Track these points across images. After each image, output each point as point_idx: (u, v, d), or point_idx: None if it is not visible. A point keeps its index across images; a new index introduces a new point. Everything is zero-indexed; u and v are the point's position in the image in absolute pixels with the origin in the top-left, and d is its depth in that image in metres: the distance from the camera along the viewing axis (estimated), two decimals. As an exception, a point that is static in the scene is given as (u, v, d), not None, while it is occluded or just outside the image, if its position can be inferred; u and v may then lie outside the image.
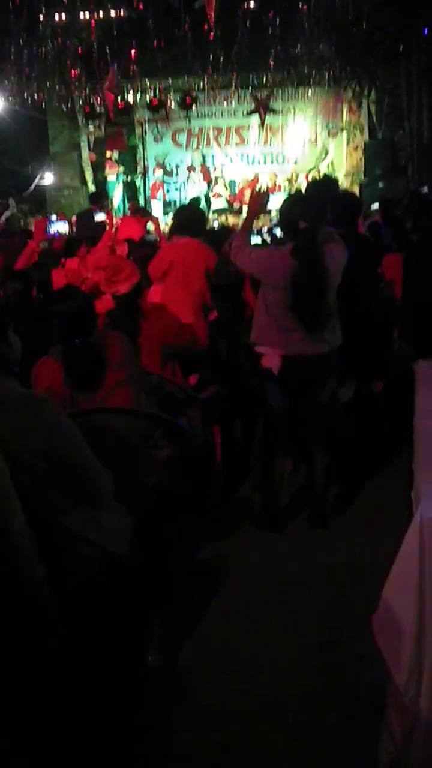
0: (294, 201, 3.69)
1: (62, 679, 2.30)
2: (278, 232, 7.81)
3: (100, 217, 10.21)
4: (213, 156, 16.69)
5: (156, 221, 9.71)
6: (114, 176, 15.80)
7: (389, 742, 2.18)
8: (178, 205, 14.99)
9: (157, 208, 15.98)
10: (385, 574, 2.14)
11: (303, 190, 10.17)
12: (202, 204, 14.19)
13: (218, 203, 15.73)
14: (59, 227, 12.47)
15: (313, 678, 2.76)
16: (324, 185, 4.87)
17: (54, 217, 13.58)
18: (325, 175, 14.35)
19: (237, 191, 15.82)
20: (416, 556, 2.04)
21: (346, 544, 3.68)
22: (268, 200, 4.08)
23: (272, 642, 2.98)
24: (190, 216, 5.11)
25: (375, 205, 9.24)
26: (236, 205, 15.29)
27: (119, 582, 2.47)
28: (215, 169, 16.29)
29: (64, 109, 14.98)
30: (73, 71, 13.03)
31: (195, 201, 12.18)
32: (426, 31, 11.62)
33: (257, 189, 4.21)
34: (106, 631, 2.50)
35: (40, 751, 2.30)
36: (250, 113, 15.50)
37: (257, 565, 3.55)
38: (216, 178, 16.14)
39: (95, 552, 2.39)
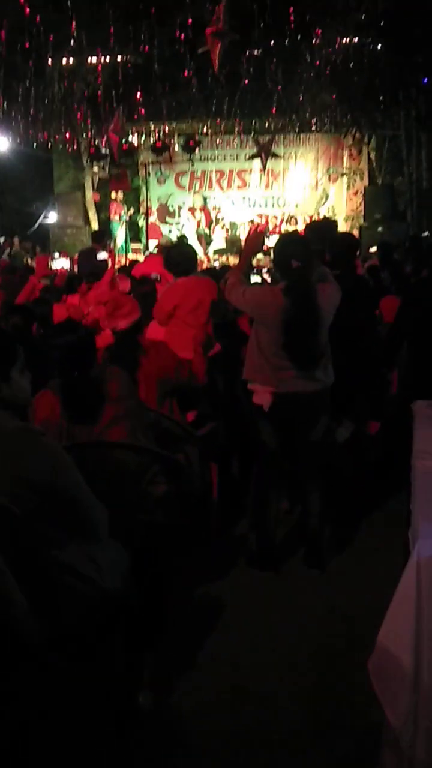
0: (288, 240, 3.73)
1: (50, 713, 2.26)
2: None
3: (102, 255, 10.31)
4: (214, 198, 16.94)
5: None
6: (118, 216, 16.00)
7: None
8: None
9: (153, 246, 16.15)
10: (382, 616, 2.11)
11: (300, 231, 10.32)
12: (196, 244, 14.30)
13: (218, 243, 15.92)
14: (61, 264, 12.58)
15: (307, 722, 2.71)
16: (322, 226, 4.93)
17: (56, 254, 13.70)
18: (324, 216, 14.55)
19: (238, 233, 16.01)
20: (413, 597, 2.01)
21: (341, 586, 3.64)
22: (264, 240, 4.13)
23: (265, 684, 2.92)
24: (179, 256, 5.15)
25: (374, 249, 9.34)
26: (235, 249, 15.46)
27: (112, 618, 2.44)
28: (217, 211, 16.52)
29: (69, 150, 15.25)
30: (78, 113, 13.27)
31: (182, 239, 12.33)
32: (425, 81, 11.88)
33: (254, 229, 4.27)
34: (97, 667, 2.45)
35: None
36: (251, 157, 15.75)
37: (251, 604, 3.50)
38: (217, 220, 16.36)
39: (88, 587, 2.36)
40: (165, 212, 17.05)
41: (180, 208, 16.95)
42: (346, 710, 2.72)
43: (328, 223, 5.32)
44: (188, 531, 3.51)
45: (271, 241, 10.74)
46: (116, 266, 8.62)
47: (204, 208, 16.50)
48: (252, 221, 16.10)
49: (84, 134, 14.44)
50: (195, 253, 5.48)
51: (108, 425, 3.10)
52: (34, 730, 2.38)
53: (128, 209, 16.15)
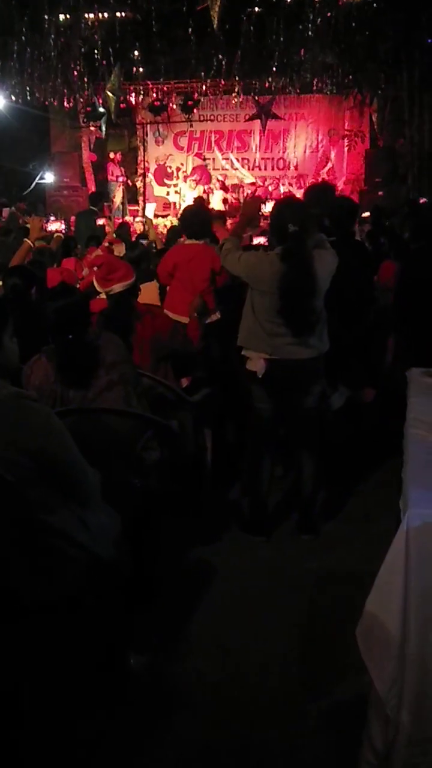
0: (284, 205, 3.68)
1: (43, 673, 2.29)
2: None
3: (100, 221, 10.22)
4: (213, 160, 16.71)
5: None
6: (116, 178, 15.80)
7: (370, 752, 2.16)
8: (179, 207, 15.03)
9: (152, 208, 15.99)
10: (372, 582, 2.13)
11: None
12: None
13: (217, 206, 15.73)
14: (57, 226, 12.43)
15: (295, 686, 2.75)
16: (320, 190, 4.86)
17: (52, 217, 13.54)
18: (323, 180, 14.37)
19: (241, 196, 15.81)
20: (401, 565, 2.02)
21: (333, 552, 3.67)
22: (261, 206, 4.10)
23: (255, 648, 2.96)
24: (194, 217, 5.12)
25: (367, 213, 9.21)
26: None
27: (103, 582, 2.46)
28: (223, 176, 16.33)
29: (66, 109, 14.97)
30: (75, 71, 13.02)
31: (198, 201, 12.17)
32: (429, 41, 11.66)
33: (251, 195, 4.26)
34: (89, 629, 2.48)
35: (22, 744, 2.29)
36: (251, 118, 15.51)
37: (243, 569, 3.54)
38: (216, 182, 16.17)
39: (80, 552, 2.37)
40: (163, 174, 16.81)
41: (179, 169, 16.72)
42: (334, 673, 2.76)
43: (327, 187, 5.23)
44: (181, 497, 3.52)
45: (268, 207, 10.63)
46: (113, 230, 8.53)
47: (203, 169, 16.29)
48: (253, 183, 15.93)
49: (81, 92, 14.18)
50: (209, 217, 5.44)
51: (102, 390, 3.09)
52: (28, 691, 2.42)
53: (125, 171, 15.95)
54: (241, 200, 15.08)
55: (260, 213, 4.88)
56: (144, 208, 16.34)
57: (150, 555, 2.97)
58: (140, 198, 16.71)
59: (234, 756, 2.42)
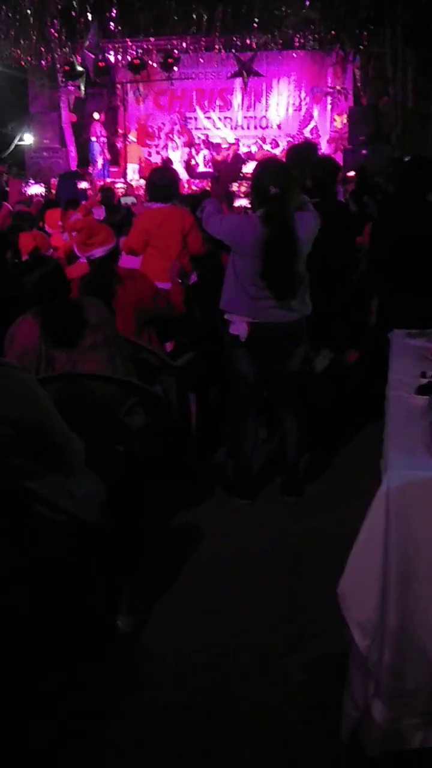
0: (265, 166, 3.64)
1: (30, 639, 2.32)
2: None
3: (83, 185, 10.08)
4: (196, 119, 16.48)
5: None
6: (96, 139, 15.57)
7: (352, 706, 2.22)
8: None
9: (140, 169, 15.78)
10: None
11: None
12: (180, 168, 13.97)
13: (203, 166, 15.58)
14: (36, 189, 12.26)
15: (279, 644, 2.80)
16: (302, 150, 4.82)
17: (32, 180, 13.35)
18: (305, 140, 14.22)
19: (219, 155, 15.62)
20: (381, 524, 2.05)
21: (317, 513, 3.71)
22: (241, 167, 4.06)
23: (240, 608, 3.00)
24: (161, 180, 5.06)
25: (352, 173, 9.13)
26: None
27: (88, 547, 2.49)
28: (200, 130, 16.12)
29: (45, 68, 14.66)
30: (52, 29, 12.71)
31: (166, 164, 12.04)
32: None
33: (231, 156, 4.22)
34: (75, 593, 2.52)
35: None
36: (233, 76, 15.26)
37: (228, 531, 3.57)
38: (199, 142, 15.98)
39: (65, 518, 2.39)
40: (144, 134, 16.57)
41: (160, 129, 16.48)
42: (317, 627, 2.80)
43: (309, 147, 5.20)
44: (166, 461, 3.55)
45: (249, 167, 10.52)
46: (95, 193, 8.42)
47: (184, 128, 16.07)
48: (235, 143, 15.72)
49: (58, 51, 13.87)
50: (176, 178, 5.36)
51: (87, 350, 3.08)
52: (16, 650, 2.46)
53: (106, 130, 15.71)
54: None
55: (241, 174, 4.82)
56: (125, 170, 16.12)
57: (135, 519, 3.01)
58: (121, 159, 16.47)
59: (215, 716, 2.46)
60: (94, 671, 2.63)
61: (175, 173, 5.53)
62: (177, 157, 15.51)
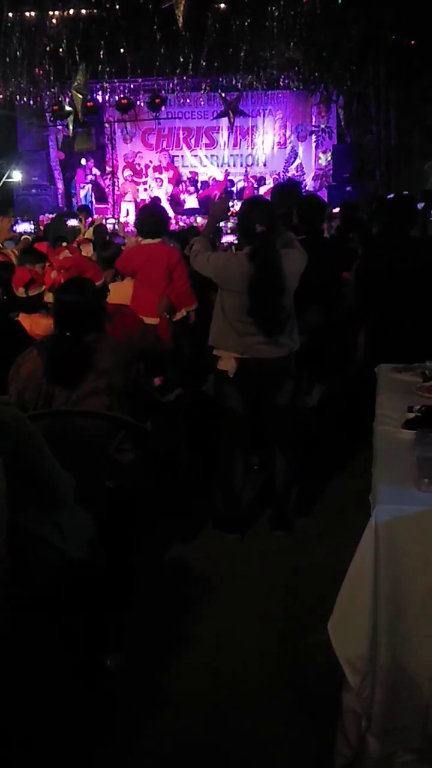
0: (251, 204, 3.71)
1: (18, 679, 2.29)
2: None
3: (72, 222, 10.16)
4: (183, 157, 16.71)
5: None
6: (85, 177, 15.78)
7: (344, 745, 2.20)
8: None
9: (127, 208, 15.95)
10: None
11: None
12: (166, 205, 14.13)
13: (190, 203, 15.76)
14: (24, 227, 12.33)
15: (269, 682, 2.78)
16: (288, 188, 4.90)
17: (19, 219, 13.44)
18: (289, 179, 14.44)
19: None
20: (371, 559, 2.06)
21: (307, 547, 3.71)
22: (229, 206, 4.12)
23: (231, 644, 2.99)
24: (149, 217, 5.13)
25: (337, 209, 9.26)
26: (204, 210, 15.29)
27: (77, 584, 2.47)
28: (187, 168, 16.35)
29: (33, 107, 14.88)
30: (41, 70, 12.93)
31: (155, 201, 12.18)
32: (393, 37, 11.75)
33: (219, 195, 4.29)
34: (62, 632, 2.49)
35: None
36: (219, 116, 15.54)
37: (217, 567, 3.56)
38: (186, 180, 16.19)
39: (53, 554, 2.38)
40: (133, 171, 16.77)
41: (147, 167, 16.69)
42: (309, 667, 2.79)
43: (294, 186, 5.29)
44: (155, 496, 3.54)
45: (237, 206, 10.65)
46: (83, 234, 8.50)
47: (171, 166, 16.29)
48: (222, 181, 15.93)
49: (47, 91, 14.10)
50: (165, 215, 5.44)
51: (86, 395, 3.05)
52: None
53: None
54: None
55: (229, 213, 4.90)
56: (113, 207, 16.28)
57: (124, 555, 2.99)
58: (108, 196, 16.64)
59: (210, 746, 2.45)
60: (81, 706, 2.59)
61: (163, 210, 5.61)
62: (162, 194, 15.70)
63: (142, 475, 3.32)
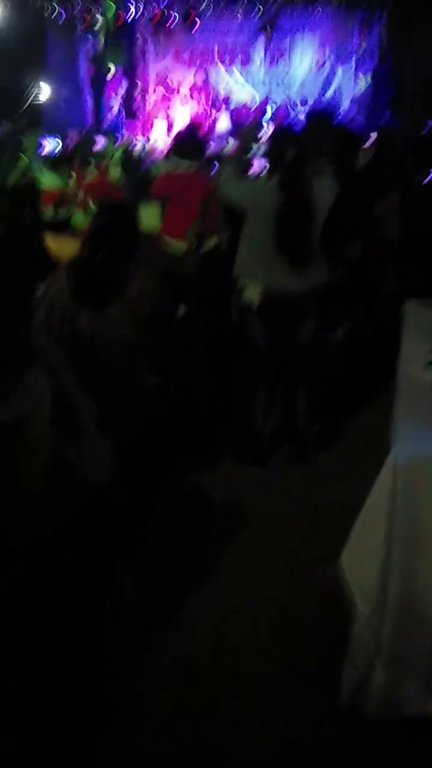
0: (282, 133, 3.61)
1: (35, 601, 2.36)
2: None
3: (100, 142, 9.96)
4: (217, 74, 16.16)
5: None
6: (114, 93, 15.36)
7: (353, 668, 2.28)
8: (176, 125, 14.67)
9: (160, 127, 15.57)
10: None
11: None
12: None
13: (222, 124, 15.33)
14: (53, 144, 12.11)
15: (283, 612, 2.85)
16: (321, 119, 4.73)
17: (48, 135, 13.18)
18: (322, 108, 13.95)
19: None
20: (387, 495, 2.09)
21: (327, 483, 3.71)
22: (259, 130, 4.02)
23: (247, 576, 3.05)
24: (189, 141, 5.01)
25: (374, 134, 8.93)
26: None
27: (98, 510, 2.53)
28: (220, 87, 15.83)
29: (63, 20, 14.40)
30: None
31: (194, 124, 11.86)
32: None
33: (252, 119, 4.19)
34: (83, 556, 2.56)
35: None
36: (256, 31, 14.94)
37: (236, 499, 3.60)
38: (220, 101, 15.70)
39: (75, 479, 2.43)
40: (165, 88, 16.28)
41: (180, 84, 16.18)
42: (325, 600, 2.82)
43: (326, 115, 5.09)
44: (177, 425, 3.57)
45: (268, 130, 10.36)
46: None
47: (205, 88, 15.79)
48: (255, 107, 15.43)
49: (78, 3, 13.62)
50: (203, 141, 5.33)
51: (111, 323, 3.03)
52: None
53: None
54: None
55: (258, 137, 4.75)
56: (144, 124, 15.89)
57: (145, 482, 3.05)
58: (139, 113, 16.23)
59: (219, 687, 2.52)
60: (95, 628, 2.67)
61: (201, 135, 5.47)
62: (187, 114, 15.27)
63: (164, 403, 3.34)
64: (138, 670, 2.56)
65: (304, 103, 15.34)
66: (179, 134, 5.38)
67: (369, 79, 14.93)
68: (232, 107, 15.66)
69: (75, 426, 2.45)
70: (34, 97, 14.88)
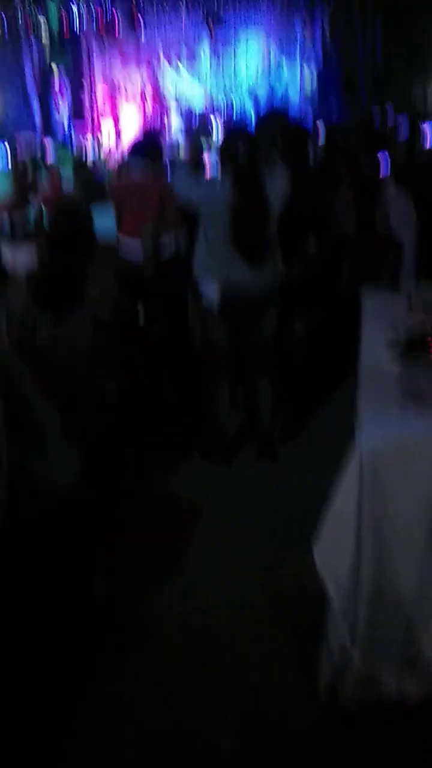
0: (234, 130, 3.63)
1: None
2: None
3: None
4: (163, 71, 16.09)
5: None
6: (61, 95, 15.20)
7: (328, 660, 2.31)
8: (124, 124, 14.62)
9: (108, 126, 15.46)
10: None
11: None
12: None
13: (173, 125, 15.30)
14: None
15: (260, 596, 2.89)
16: (271, 119, 4.76)
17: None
18: (273, 108, 13.97)
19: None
20: (355, 485, 2.12)
21: (292, 475, 3.75)
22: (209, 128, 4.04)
23: (221, 570, 3.08)
24: (146, 146, 4.99)
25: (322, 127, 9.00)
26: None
27: (64, 511, 2.52)
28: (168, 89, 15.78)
29: (6, 21, 14.22)
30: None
31: (150, 128, 11.83)
32: None
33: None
34: (50, 557, 2.55)
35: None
36: (200, 25, 14.93)
37: (204, 496, 3.62)
38: (167, 98, 15.65)
39: (38, 482, 2.42)
40: (110, 86, 16.16)
41: (126, 82, 16.07)
42: (297, 590, 2.86)
43: (278, 116, 5.11)
44: (140, 426, 3.57)
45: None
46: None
47: (155, 92, 15.69)
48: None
49: (21, 6, 13.46)
50: (159, 144, 5.31)
51: (72, 323, 3.01)
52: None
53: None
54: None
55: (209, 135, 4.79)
56: (92, 122, 15.75)
57: (110, 483, 3.04)
58: (85, 112, 16.08)
59: (199, 665, 2.57)
60: (73, 638, 2.68)
61: (156, 136, 5.44)
62: (135, 113, 15.22)
63: (126, 405, 3.33)
64: (118, 664, 2.57)
65: (253, 96, 15.39)
66: (136, 141, 5.33)
67: (315, 70, 15.02)
68: (180, 104, 15.63)
69: (37, 435, 2.43)
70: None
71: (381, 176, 5.02)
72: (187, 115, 15.30)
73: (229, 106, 15.24)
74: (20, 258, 4.02)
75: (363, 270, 4.33)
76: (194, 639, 2.70)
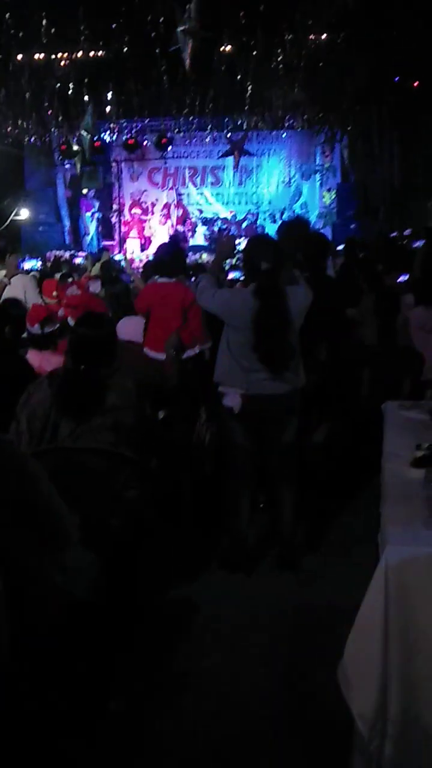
0: (256, 242, 3.74)
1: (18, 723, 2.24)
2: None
3: (79, 260, 10.26)
4: (189, 195, 16.90)
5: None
6: (90, 213, 15.99)
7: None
8: (153, 242, 15.23)
9: (133, 245, 16.13)
10: (353, 617, 2.12)
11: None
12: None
13: (197, 239, 15.93)
14: (31, 264, 12.44)
15: (278, 723, 2.72)
16: (293, 227, 4.93)
17: (26, 256, 13.57)
18: (297, 215, 14.57)
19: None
20: (381, 602, 2.03)
21: (313, 586, 3.65)
22: (236, 244, 4.17)
23: (238, 685, 2.93)
24: (168, 256, 5.18)
25: (341, 246, 9.32)
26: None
27: (81, 625, 2.43)
28: (193, 205, 16.55)
29: (41, 147, 15.14)
30: (50, 110, 13.18)
31: (173, 239, 12.29)
32: (397, 78, 11.95)
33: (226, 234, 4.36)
34: (65, 675, 2.44)
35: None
36: (224, 155, 15.76)
37: (223, 606, 3.51)
38: (196, 216, 16.39)
39: (58, 595, 2.35)
40: (140, 209, 16.97)
41: (153, 204, 16.89)
42: (317, 710, 2.73)
43: (300, 223, 5.31)
44: (160, 534, 3.50)
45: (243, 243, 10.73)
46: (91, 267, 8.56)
47: (179, 204, 16.49)
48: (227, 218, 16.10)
49: (55, 130, 14.35)
50: (183, 256, 5.50)
51: (93, 430, 3.01)
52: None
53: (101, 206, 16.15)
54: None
55: (234, 250, 4.95)
56: (120, 243, 16.46)
57: (128, 594, 2.94)
58: (115, 233, 16.83)
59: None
60: (86, 751, 2.53)
61: (180, 249, 5.68)
62: (166, 230, 15.90)
63: (146, 513, 3.28)
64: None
65: (272, 219, 16.04)
66: (158, 251, 5.55)
67: (333, 194, 15.68)
68: (204, 224, 16.31)
69: (58, 540, 2.38)
70: (14, 216, 15.39)
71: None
72: (211, 234, 15.96)
73: (251, 227, 15.90)
74: (47, 366, 4.07)
75: (384, 379, 4.33)
76: (206, 761, 2.54)
